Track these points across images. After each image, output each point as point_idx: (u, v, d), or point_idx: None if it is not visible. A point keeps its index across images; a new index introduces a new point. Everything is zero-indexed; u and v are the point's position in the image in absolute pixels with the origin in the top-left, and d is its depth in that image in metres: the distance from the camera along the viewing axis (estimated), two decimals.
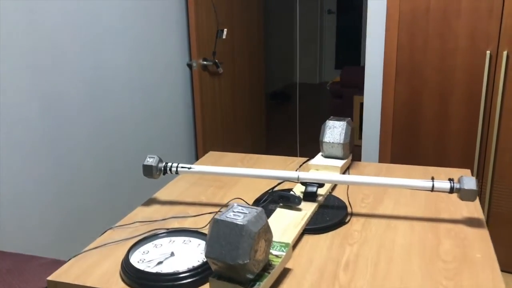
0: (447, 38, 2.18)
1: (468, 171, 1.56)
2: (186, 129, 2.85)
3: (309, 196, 1.26)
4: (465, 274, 0.97)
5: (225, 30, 1.58)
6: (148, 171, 1.30)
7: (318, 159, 1.54)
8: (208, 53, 2.81)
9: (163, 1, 2.56)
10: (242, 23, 3.12)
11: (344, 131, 1.53)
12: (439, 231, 1.15)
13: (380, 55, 2.39)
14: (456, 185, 1.16)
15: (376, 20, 2.40)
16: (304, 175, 1.24)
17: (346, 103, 5.20)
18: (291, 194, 1.21)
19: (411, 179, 1.19)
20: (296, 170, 1.39)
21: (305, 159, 1.70)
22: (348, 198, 1.34)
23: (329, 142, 1.53)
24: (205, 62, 2.78)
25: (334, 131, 1.53)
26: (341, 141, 1.52)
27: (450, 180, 1.18)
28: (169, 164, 1.31)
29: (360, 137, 4.64)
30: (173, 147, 2.75)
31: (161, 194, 1.42)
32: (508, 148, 2.16)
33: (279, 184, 1.41)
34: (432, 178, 1.20)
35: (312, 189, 1.26)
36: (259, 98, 3.54)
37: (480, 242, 1.09)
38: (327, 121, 1.55)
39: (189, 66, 2.87)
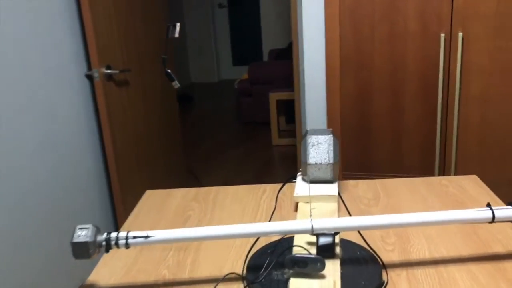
0: (396, 22, 1.94)
1: (475, 177, 1.30)
2: (93, 154, 2.32)
3: (325, 251, 0.90)
4: None
5: (178, 25, 1.17)
6: (82, 250, 0.84)
7: (303, 187, 1.18)
8: (112, 59, 2.30)
9: (48, 2, 2.00)
10: (145, 20, 2.65)
11: (331, 147, 1.18)
12: (508, 273, 0.85)
13: (320, 46, 2.09)
14: None
15: (312, 9, 2.09)
16: (320, 223, 0.87)
17: (257, 101, 4.90)
18: (310, 257, 0.83)
19: (461, 211, 0.88)
20: (310, 218, 1.00)
21: (277, 186, 1.33)
22: (363, 238, 0.99)
23: (316, 164, 1.17)
24: (109, 71, 2.28)
25: (319, 148, 1.18)
26: (330, 161, 1.17)
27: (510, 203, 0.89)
28: (113, 235, 0.86)
29: (280, 136, 4.37)
30: (77, 184, 2.22)
31: (98, 276, 0.96)
32: (470, 139, 1.99)
33: (278, 241, 1.03)
34: (489, 205, 0.90)
35: (328, 240, 0.90)
36: (172, 106, 3.09)
37: None
38: (306, 136, 1.19)
39: (89, 77, 2.34)
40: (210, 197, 1.29)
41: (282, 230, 0.87)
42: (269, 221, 1.12)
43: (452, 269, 0.89)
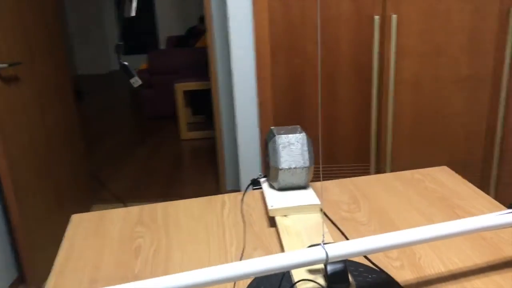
0: (328, 4, 1.82)
1: (445, 167, 1.22)
2: None
3: (338, 281, 0.73)
4: None
5: (135, 0, 0.90)
6: None
7: (273, 196, 1.00)
8: None
9: None
10: (35, 8, 2.25)
11: (305, 148, 1.01)
12: None
13: (247, 33, 1.91)
14: None
15: None
16: (335, 250, 0.69)
17: (159, 93, 4.59)
18: None
19: (482, 218, 0.76)
20: (322, 243, 0.81)
21: (235, 196, 1.13)
22: (366, 257, 0.84)
23: (289, 169, 1.00)
24: None
25: (292, 149, 1.00)
26: (306, 164, 1.00)
27: None
28: None
29: (188, 130, 4.12)
30: None
31: None
32: (403, 123, 1.95)
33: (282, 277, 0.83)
34: (510, 206, 0.79)
35: (339, 267, 0.73)
36: (69, 104, 2.70)
37: None
38: (275, 136, 1.01)
39: None
40: (157, 216, 1.05)
41: (290, 265, 0.68)
42: (244, 243, 0.93)
43: (477, 282, 0.77)
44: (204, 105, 4.39)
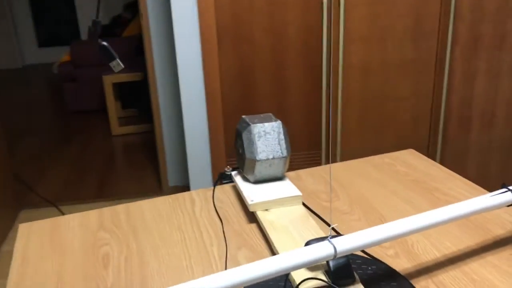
0: None
1: (412, 150, 1.22)
2: None
3: (343, 277, 0.68)
4: None
5: None
6: None
7: (250, 189, 0.94)
8: None
9: None
10: None
11: (282, 137, 0.95)
12: None
13: (192, 19, 1.80)
14: None
15: None
16: (343, 244, 0.64)
17: (85, 86, 4.32)
18: None
19: (479, 199, 0.74)
20: (329, 237, 0.73)
21: (205, 192, 1.05)
22: None
23: (267, 159, 0.93)
24: None
25: (268, 139, 0.94)
26: (284, 154, 0.94)
27: None
28: None
29: (120, 125, 3.90)
30: None
31: None
32: (352, 109, 1.95)
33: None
34: (504, 186, 0.78)
35: (343, 261, 0.68)
36: None
37: None
38: (250, 126, 0.94)
39: None
40: (120, 220, 0.95)
41: (297, 265, 0.62)
42: (226, 243, 0.85)
43: (475, 265, 0.76)
44: (136, 98, 4.19)
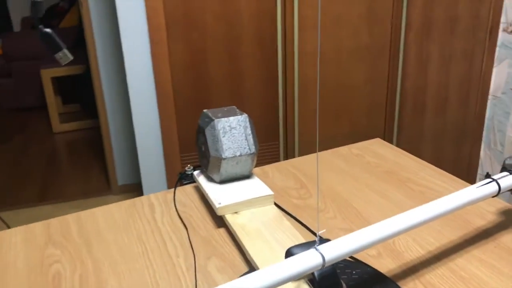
0: None
1: (379, 139, 1.17)
2: None
3: (329, 287, 0.62)
4: None
5: None
6: None
7: (216, 191, 0.86)
8: None
9: None
10: None
11: (249, 132, 0.88)
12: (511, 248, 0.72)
13: (138, 5, 1.68)
14: None
15: None
16: (331, 251, 0.57)
17: (21, 81, 4.04)
18: None
19: (466, 191, 0.70)
20: (317, 240, 0.64)
21: (163, 195, 0.96)
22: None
23: (234, 157, 0.85)
24: None
25: (234, 135, 0.86)
26: (252, 150, 0.87)
27: (509, 171, 0.75)
28: None
29: (61, 121, 3.68)
30: None
31: None
32: (308, 97, 1.90)
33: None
34: (488, 175, 0.74)
35: (329, 269, 0.62)
36: None
37: None
38: (214, 121, 0.86)
39: None
40: (71, 232, 0.84)
41: (282, 279, 0.55)
42: (193, 253, 0.77)
43: (461, 261, 0.72)
44: (78, 92, 3.97)
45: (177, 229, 0.83)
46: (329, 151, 1.12)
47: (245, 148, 0.86)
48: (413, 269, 0.71)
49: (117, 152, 2.60)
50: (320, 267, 0.57)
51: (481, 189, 0.71)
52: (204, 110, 0.91)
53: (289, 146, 1.94)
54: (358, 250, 0.59)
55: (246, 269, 0.72)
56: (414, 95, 2.04)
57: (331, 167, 1.04)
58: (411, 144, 2.12)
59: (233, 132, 0.86)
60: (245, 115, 0.88)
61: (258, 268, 0.68)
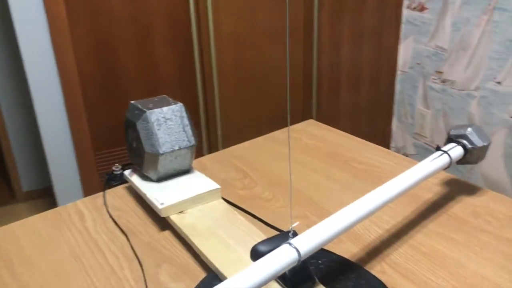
0: None
1: (312, 120, 1.15)
2: None
3: (302, 281, 0.58)
4: None
5: None
6: None
7: (156, 190, 0.77)
8: None
9: None
10: None
11: (187, 122, 0.80)
12: (464, 220, 0.73)
13: None
14: (468, 145, 0.75)
15: None
16: (304, 244, 0.53)
17: None
18: None
19: (422, 165, 0.69)
20: (290, 233, 0.57)
21: (93, 198, 0.85)
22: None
23: (172, 151, 0.77)
24: None
25: (170, 126, 0.78)
26: (192, 142, 0.80)
27: (456, 142, 0.75)
28: None
29: None
30: None
31: None
32: (227, 81, 1.84)
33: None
34: (438, 148, 0.74)
35: (300, 263, 0.58)
36: None
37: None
38: (146, 112, 0.77)
39: None
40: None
41: (261, 281, 0.49)
42: (139, 262, 0.68)
43: (420, 236, 0.71)
44: None
45: (115, 237, 0.74)
46: (265, 136, 1.07)
47: (183, 140, 0.79)
48: (376, 251, 0.68)
49: (19, 155, 2.35)
50: (296, 263, 0.52)
51: (435, 162, 0.70)
52: (132, 102, 0.82)
53: (211, 133, 1.87)
54: (330, 240, 0.55)
55: (202, 273, 0.65)
56: (329, 74, 2.07)
57: (270, 153, 0.99)
58: (329, 121, 2.14)
59: (168, 123, 0.78)
60: (180, 104, 0.80)
61: (219, 271, 0.61)
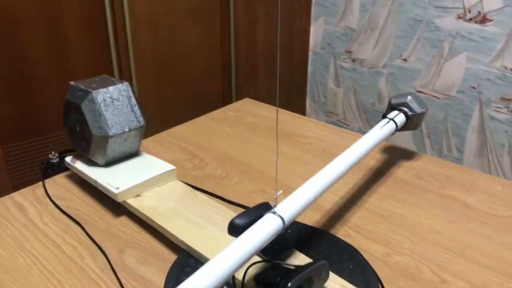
0: None
1: (248, 99, 1.16)
2: None
3: (280, 251, 0.59)
4: None
5: None
6: None
7: (107, 175, 0.74)
8: None
9: None
10: None
11: (134, 102, 0.77)
12: (409, 181, 0.79)
13: None
14: (409, 112, 0.80)
15: None
16: (287, 210, 0.53)
17: None
18: (312, 269, 0.52)
19: (374, 131, 0.73)
20: (273, 210, 0.55)
21: (31, 189, 0.79)
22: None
23: (123, 133, 0.74)
24: None
25: (118, 107, 0.74)
26: (141, 122, 0.77)
27: (398, 109, 0.80)
28: None
29: None
30: None
31: None
32: (145, 67, 1.78)
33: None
34: (384, 116, 0.78)
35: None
36: None
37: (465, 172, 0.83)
38: (91, 93, 0.72)
39: None
40: None
41: (251, 252, 0.49)
42: (103, 250, 0.64)
43: (374, 200, 0.75)
44: None
45: (66, 227, 0.69)
46: (204, 116, 1.06)
47: (133, 121, 0.75)
48: (337, 217, 0.71)
49: None
50: (281, 231, 0.52)
51: (384, 129, 0.74)
52: (71, 83, 0.76)
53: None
54: (309, 205, 0.56)
55: (172, 255, 0.63)
56: (246, 56, 2.08)
57: (214, 132, 0.98)
58: None
59: (116, 104, 0.74)
60: (126, 84, 0.76)
61: (193, 249, 0.60)
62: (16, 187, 1.24)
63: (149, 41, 1.76)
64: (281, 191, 0.61)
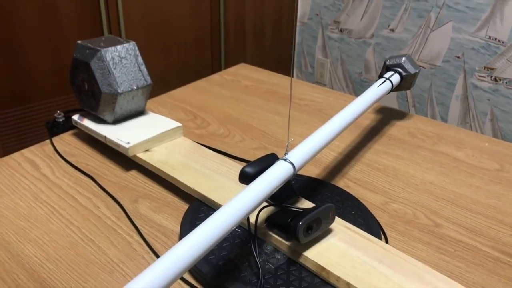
0: None
1: (244, 64, 1.18)
2: None
3: (286, 197, 0.63)
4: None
5: None
6: None
7: (116, 132, 0.76)
8: None
9: None
10: None
11: (141, 61, 0.79)
12: (392, 145, 0.84)
13: None
14: (403, 72, 0.84)
15: None
16: (298, 156, 0.57)
17: None
18: (321, 209, 0.56)
19: (372, 90, 0.77)
20: (285, 156, 0.58)
21: (41, 146, 0.81)
22: None
23: (131, 91, 0.76)
24: None
25: (126, 66, 0.77)
26: (148, 81, 0.79)
27: (393, 70, 0.84)
28: None
29: None
30: None
31: None
32: (136, 32, 1.78)
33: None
34: (381, 75, 0.82)
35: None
36: None
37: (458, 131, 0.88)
38: (100, 51, 0.75)
39: None
40: None
41: (265, 195, 0.53)
42: (118, 200, 0.68)
43: (370, 156, 0.79)
44: None
45: (79, 181, 0.72)
46: (202, 80, 1.08)
47: (140, 79, 0.78)
48: (336, 170, 0.75)
49: None
50: (292, 177, 0.56)
51: (381, 87, 0.78)
52: (79, 42, 0.78)
53: None
54: (317, 152, 0.60)
55: (184, 204, 0.67)
56: (235, 27, 2.09)
57: (214, 94, 1.01)
58: None
59: (124, 62, 0.76)
60: (133, 43, 0.78)
61: (206, 197, 0.63)
62: (7, 154, 1.25)
63: (140, 9, 1.76)
64: (292, 139, 0.64)
